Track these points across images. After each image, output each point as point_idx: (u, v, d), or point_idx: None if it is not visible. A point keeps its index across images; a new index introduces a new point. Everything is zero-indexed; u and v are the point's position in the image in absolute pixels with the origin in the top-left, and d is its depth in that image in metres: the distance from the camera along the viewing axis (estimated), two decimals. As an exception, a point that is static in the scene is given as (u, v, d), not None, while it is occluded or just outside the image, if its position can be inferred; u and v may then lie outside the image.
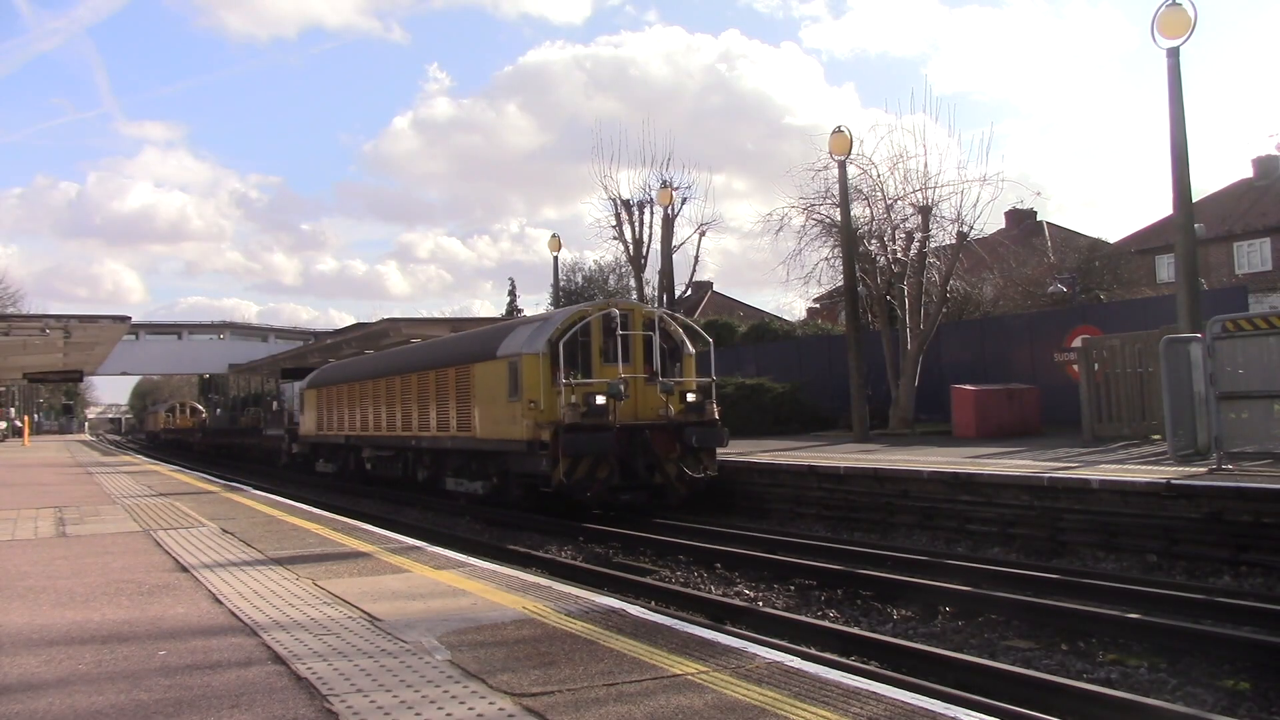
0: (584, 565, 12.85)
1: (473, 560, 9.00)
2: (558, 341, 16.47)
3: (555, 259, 36.64)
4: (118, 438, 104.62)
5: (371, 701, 4.51)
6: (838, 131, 24.16)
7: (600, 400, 15.96)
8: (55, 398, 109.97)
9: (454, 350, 21.23)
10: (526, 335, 17.34)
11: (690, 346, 18.01)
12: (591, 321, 17.11)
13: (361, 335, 39.84)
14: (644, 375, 17.17)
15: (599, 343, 17.23)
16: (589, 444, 15.71)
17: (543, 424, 16.28)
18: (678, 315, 17.82)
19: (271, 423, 54.19)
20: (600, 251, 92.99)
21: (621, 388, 16.22)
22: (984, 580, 10.39)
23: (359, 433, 26.52)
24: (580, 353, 16.92)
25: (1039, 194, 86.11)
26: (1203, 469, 12.97)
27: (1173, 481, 11.88)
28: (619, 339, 17.20)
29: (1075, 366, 20.34)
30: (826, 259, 28.93)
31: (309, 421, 32.07)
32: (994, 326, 29.78)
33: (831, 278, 29.53)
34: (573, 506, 16.83)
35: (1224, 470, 12.70)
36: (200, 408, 79.46)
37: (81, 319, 28.12)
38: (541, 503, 17.18)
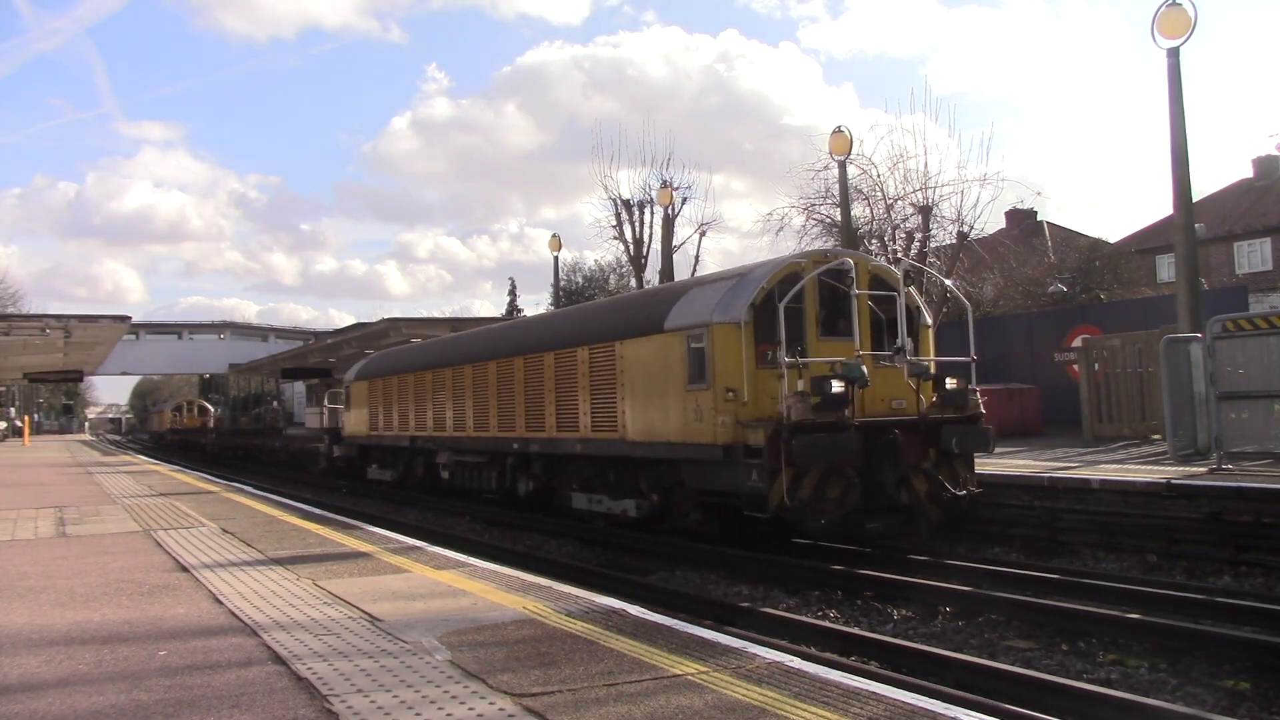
0: (584, 565, 12.85)
1: (473, 560, 9.00)
2: (768, 307, 11.97)
3: (555, 259, 36.66)
4: (118, 438, 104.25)
5: (371, 702, 4.51)
6: (838, 131, 24.17)
7: (837, 387, 11.39)
8: (55, 398, 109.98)
9: (587, 324, 16.00)
10: (716, 298, 12.40)
11: (928, 316, 13.55)
12: (806, 279, 12.28)
13: (361, 335, 39.87)
14: (870, 353, 12.43)
15: (814, 309, 12.55)
16: (829, 449, 11.07)
17: (748, 421, 11.62)
18: (925, 269, 13.41)
19: (299, 421, 52.75)
20: (600, 251, 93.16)
21: (864, 370, 11.71)
22: (984, 580, 10.39)
23: (432, 433, 21.27)
24: (791, 322, 12.00)
25: (1039, 194, 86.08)
26: (1203, 469, 12.97)
27: (1173, 481, 11.87)
28: (844, 301, 12.53)
29: (1075, 366, 20.36)
30: (827, 259, 28.96)
31: (357, 420, 26.54)
32: (994, 326, 29.79)
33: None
34: (779, 533, 12.48)
35: (1224, 470, 12.70)
36: (209, 406, 78.06)
37: (81, 319, 28.15)
38: (734, 530, 12.68)
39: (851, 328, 12.38)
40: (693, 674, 4.89)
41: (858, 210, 27.42)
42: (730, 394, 11.84)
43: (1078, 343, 20.26)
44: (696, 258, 33.73)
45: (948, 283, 15.44)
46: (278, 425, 60.73)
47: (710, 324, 12.10)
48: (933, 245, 27.23)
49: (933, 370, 12.97)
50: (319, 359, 50.41)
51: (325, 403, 31.78)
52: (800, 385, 11.49)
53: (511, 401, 17.31)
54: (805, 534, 12.40)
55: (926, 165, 26.73)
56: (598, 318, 16.03)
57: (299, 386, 67.93)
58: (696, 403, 12.22)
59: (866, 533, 12.11)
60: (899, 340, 12.41)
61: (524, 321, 20.79)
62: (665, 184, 31.62)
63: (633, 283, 35.76)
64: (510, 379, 17.44)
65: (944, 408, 12.40)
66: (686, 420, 12.38)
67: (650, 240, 33.54)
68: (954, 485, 12.14)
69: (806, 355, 11.97)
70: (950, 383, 12.56)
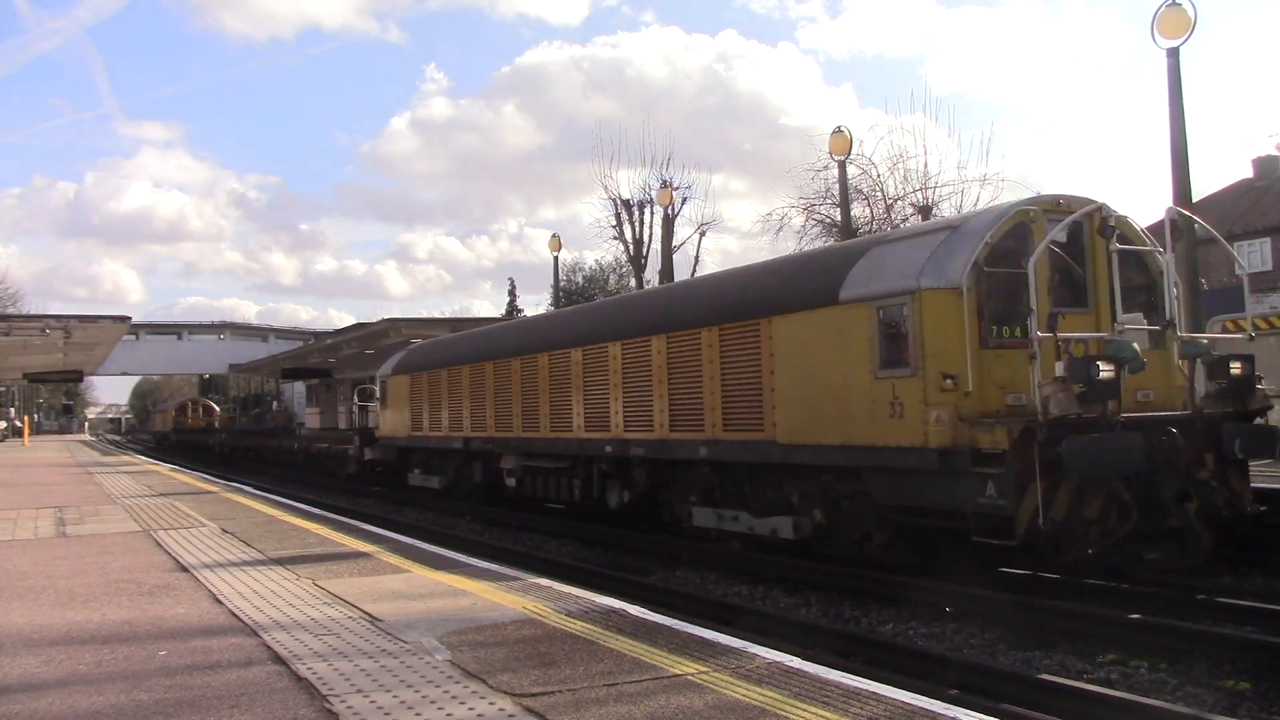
0: (584, 565, 12.85)
1: (473, 560, 9.01)
2: (993, 268, 9.47)
3: (555, 259, 36.64)
4: (118, 438, 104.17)
5: (371, 702, 4.51)
6: (838, 131, 24.17)
7: (1105, 371, 8.72)
8: (55, 398, 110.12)
9: (717, 300, 12.84)
10: (922, 257, 9.67)
11: (1178, 282, 10.72)
12: (1036, 235, 9.65)
13: (361, 335, 39.87)
14: (1134, 328, 9.85)
15: (1045, 272, 9.62)
16: (1113, 455, 8.51)
17: (974, 418, 9.04)
18: (1197, 220, 10.82)
19: (299, 421, 50.88)
20: (600, 251, 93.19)
21: (1136, 349, 9.04)
22: (984, 580, 10.37)
23: (494, 433, 18.17)
24: (1016, 288, 9.35)
25: (1038, 194, 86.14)
26: (1203, 469, 12.93)
27: (1173, 481, 11.82)
28: (1076, 261, 10.01)
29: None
30: (827, 259, 29.05)
31: (395, 418, 23.48)
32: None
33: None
34: (985, 560, 9.89)
35: (1224, 470, 12.65)
36: (214, 406, 77.44)
37: (81, 319, 28.17)
38: (932, 556, 10.35)
39: (1086, 296, 9.95)
40: (693, 674, 4.89)
41: (858, 210, 27.51)
42: (949, 382, 9.17)
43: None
44: (696, 258, 33.88)
45: (1224, 242, 12.68)
46: (291, 425, 59.83)
47: (917, 290, 9.41)
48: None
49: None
50: (319, 359, 50.42)
51: (356, 400, 28.95)
52: (1060, 369, 8.74)
53: (604, 396, 14.48)
54: (1058, 566, 9.57)
55: (926, 165, 26.85)
56: (732, 291, 12.85)
57: (299, 386, 67.96)
58: (893, 394, 9.58)
59: (1145, 565, 9.29)
60: (1167, 313, 9.99)
61: (621, 301, 17.66)
62: (665, 184, 31.70)
63: (632, 283, 35.80)
64: (602, 369, 14.57)
65: (1219, 400, 9.76)
66: (875, 416, 9.75)
67: (650, 240, 33.69)
68: (1237, 500, 9.49)
69: (1039, 330, 8.97)
70: (1234, 367, 9.66)
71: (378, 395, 24.88)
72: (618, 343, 14.28)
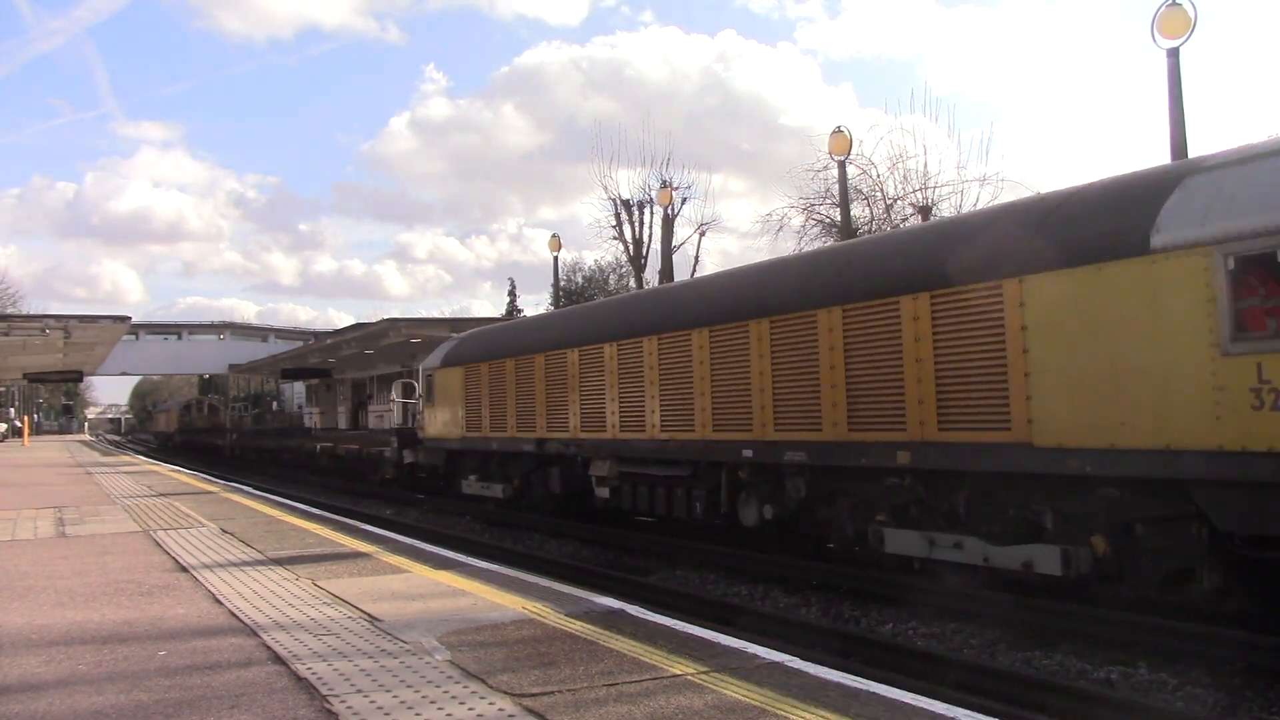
0: (584, 565, 12.85)
1: (473, 560, 9.02)
2: None
3: (556, 259, 36.60)
4: (118, 438, 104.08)
5: (371, 702, 4.51)
6: (837, 132, 24.15)
7: None
8: (55, 398, 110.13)
9: (926, 255, 9.75)
10: None
11: None
12: None
13: (361, 335, 39.83)
14: None
15: None
16: None
17: None
18: None
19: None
20: (600, 251, 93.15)
21: None
22: (984, 580, 10.37)
23: (579, 434, 15.18)
24: None
25: (1039, 194, 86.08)
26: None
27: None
28: None
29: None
30: (827, 259, 29.04)
31: (444, 418, 20.19)
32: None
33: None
34: None
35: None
36: (218, 406, 76.97)
37: (81, 319, 28.18)
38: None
39: None
40: (692, 674, 4.89)
41: (857, 210, 27.51)
42: None
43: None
44: (696, 258, 33.90)
45: None
46: (307, 426, 59.21)
47: None
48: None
49: None
50: (319, 359, 50.39)
51: (395, 396, 25.75)
52: None
53: (743, 386, 11.62)
54: None
55: (926, 165, 26.83)
56: (949, 244, 9.63)
57: (299, 386, 67.97)
58: (1259, 377, 6.79)
59: None
60: None
61: (765, 268, 13.49)
62: (665, 184, 31.71)
63: (632, 283, 35.81)
64: (737, 354, 11.74)
65: None
66: (1223, 409, 6.96)
67: (650, 240, 33.72)
68: None
69: None
70: None
71: (421, 391, 21.59)
72: (763, 320, 11.35)
